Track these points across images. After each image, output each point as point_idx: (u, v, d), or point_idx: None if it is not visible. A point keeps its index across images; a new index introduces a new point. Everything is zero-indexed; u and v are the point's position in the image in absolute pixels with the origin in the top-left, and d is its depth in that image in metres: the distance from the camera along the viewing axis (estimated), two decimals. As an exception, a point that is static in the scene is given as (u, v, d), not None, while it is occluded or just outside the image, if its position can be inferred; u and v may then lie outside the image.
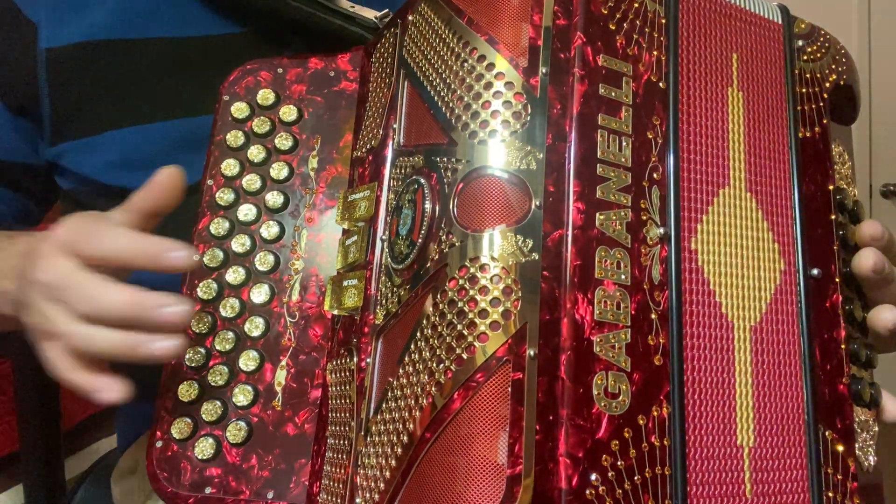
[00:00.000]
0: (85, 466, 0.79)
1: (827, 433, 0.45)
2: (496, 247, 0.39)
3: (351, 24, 0.64)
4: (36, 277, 0.47)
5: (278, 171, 0.59)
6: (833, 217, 0.50)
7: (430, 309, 0.40)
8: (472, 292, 0.39)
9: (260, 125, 0.60)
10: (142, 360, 0.46)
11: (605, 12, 0.45)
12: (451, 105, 0.44)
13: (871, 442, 0.51)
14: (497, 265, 0.39)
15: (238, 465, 0.53)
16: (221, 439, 0.53)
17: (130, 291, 0.46)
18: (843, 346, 0.47)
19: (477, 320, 0.38)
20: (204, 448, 0.53)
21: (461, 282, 0.39)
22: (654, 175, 0.44)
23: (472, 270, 0.39)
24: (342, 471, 0.46)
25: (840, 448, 0.45)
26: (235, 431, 0.53)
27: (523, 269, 0.39)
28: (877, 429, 0.52)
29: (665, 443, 0.39)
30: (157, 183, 0.52)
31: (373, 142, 0.54)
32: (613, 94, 0.44)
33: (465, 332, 0.38)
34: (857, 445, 0.48)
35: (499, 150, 0.41)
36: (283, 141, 0.60)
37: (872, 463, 0.50)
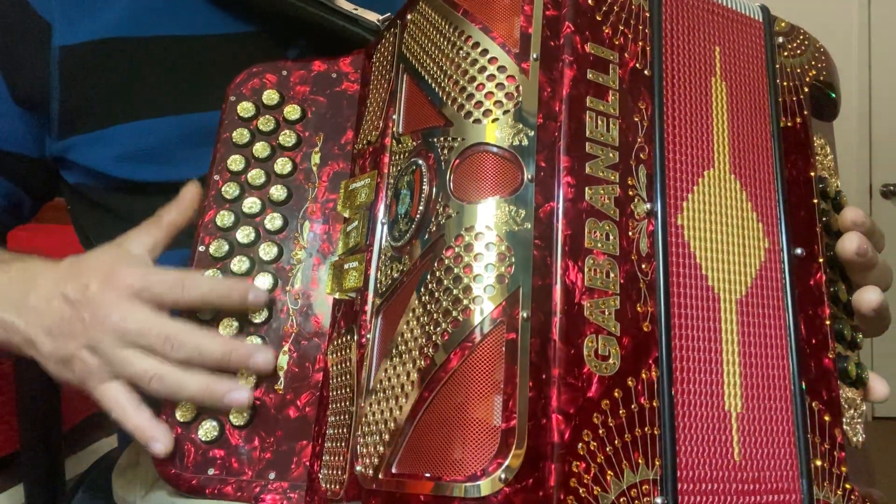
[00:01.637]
0: (85, 466, 0.79)
1: (814, 404, 0.46)
2: (490, 216, 0.41)
3: (353, 26, 0.67)
4: (113, 323, 0.51)
5: (282, 166, 0.62)
6: (815, 201, 0.52)
7: (428, 276, 0.42)
8: (467, 259, 0.41)
9: (265, 123, 0.63)
10: (217, 406, 0.52)
11: (592, 4, 0.48)
12: (447, 90, 0.47)
13: (859, 420, 0.52)
14: (491, 233, 0.41)
15: (240, 447, 0.54)
16: (224, 422, 0.54)
17: (224, 339, 0.53)
18: (827, 322, 0.49)
19: (472, 285, 0.40)
20: (207, 431, 0.54)
21: (457, 250, 0.41)
22: (641, 155, 0.46)
23: (467, 239, 0.41)
24: (343, 444, 0.48)
25: (827, 419, 0.47)
26: (238, 414, 0.54)
27: (516, 236, 0.41)
28: (864, 407, 0.53)
29: (654, 404, 0.41)
30: (188, 198, 0.58)
31: (373, 133, 0.56)
32: (601, 79, 0.46)
33: (461, 297, 0.40)
34: (844, 420, 0.49)
35: (492, 127, 0.44)
36: (286, 138, 0.62)
37: (861, 440, 0.51)
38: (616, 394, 0.40)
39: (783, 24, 0.57)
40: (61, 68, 0.65)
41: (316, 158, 0.62)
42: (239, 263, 0.58)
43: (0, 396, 0.87)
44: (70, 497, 0.79)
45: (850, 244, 0.52)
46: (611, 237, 0.43)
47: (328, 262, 0.58)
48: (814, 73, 0.57)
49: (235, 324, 0.57)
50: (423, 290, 0.42)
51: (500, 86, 0.44)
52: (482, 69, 0.45)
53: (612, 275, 0.42)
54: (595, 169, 0.44)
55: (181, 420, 0.54)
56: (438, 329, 0.40)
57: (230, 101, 0.63)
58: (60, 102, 0.66)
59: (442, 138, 0.45)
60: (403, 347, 0.42)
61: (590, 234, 0.42)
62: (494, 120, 0.44)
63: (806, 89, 0.56)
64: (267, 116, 0.63)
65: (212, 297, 0.54)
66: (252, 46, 0.68)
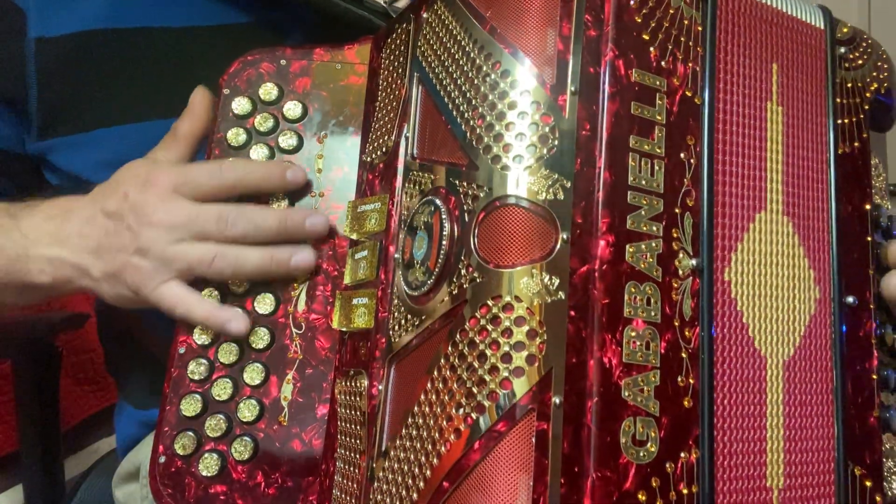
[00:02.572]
0: (85, 466, 0.78)
1: (856, 469, 0.44)
2: (521, 285, 0.37)
3: (358, 8, 0.60)
4: (160, 220, 0.50)
5: None
6: (869, 239, 0.48)
7: (450, 348, 0.38)
8: (494, 334, 0.37)
9: (262, 122, 0.57)
10: (284, 274, 0.52)
11: (639, 21, 0.41)
12: (471, 123, 0.41)
13: (895, 469, 0.49)
14: (521, 305, 0.37)
15: (244, 482, 0.51)
16: (226, 455, 0.51)
17: (276, 210, 0.52)
18: (874, 377, 0.46)
19: (500, 365, 0.36)
20: (209, 464, 0.51)
21: (482, 322, 0.37)
22: (688, 201, 0.41)
23: (494, 310, 0.37)
24: (353, 499, 0.45)
25: (868, 484, 0.44)
26: (241, 447, 0.51)
27: (549, 309, 0.37)
28: (901, 455, 0.50)
29: (693, 490, 0.37)
30: (197, 106, 0.55)
31: (383, 148, 0.51)
32: (646, 112, 0.41)
33: (487, 378, 0.36)
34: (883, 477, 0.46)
35: (524, 177, 0.38)
36: (287, 139, 0.57)
37: (895, 490, 0.49)
38: (654, 483, 0.36)
39: (846, 30, 0.51)
40: (38, 62, 0.59)
41: (319, 163, 0.57)
42: (237, 283, 0.54)
43: (0, 396, 0.86)
44: (70, 497, 0.77)
45: None
46: (652, 301, 0.39)
47: (334, 282, 0.54)
48: (875, 85, 0.51)
49: (235, 348, 0.53)
50: (443, 362, 0.38)
51: (533, 126, 0.39)
52: (512, 105, 0.39)
53: (652, 346, 0.38)
54: (637, 222, 0.39)
55: (181, 453, 0.51)
56: (461, 412, 0.37)
57: (224, 94, 0.57)
58: (38, 100, 0.60)
59: (465, 182, 0.40)
60: (422, 422, 0.39)
61: (630, 302, 0.38)
62: (527, 168, 0.38)
63: (866, 107, 0.50)
64: (265, 114, 0.57)
65: (252, 179, 0.52)
66: (246, 38, 0.62)
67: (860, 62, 0.51)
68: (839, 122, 0.48)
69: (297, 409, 0.53)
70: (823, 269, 0.45)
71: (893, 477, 0.49)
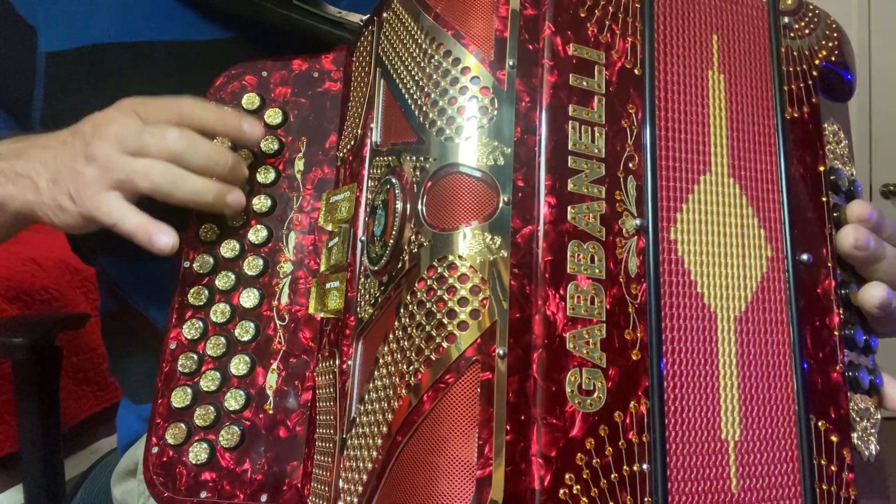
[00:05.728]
0: (85, 466, 0.79)
1: (820, 423, 0.44)
2: (464, 245, 0.39)
3: (339, 30, 0.64)
4: (112, 132, 0.51)
5: (265, 174, 0.59)
6: (825, 199, 0.48)
7: (401, 310, 0.40)
8: (440, 292, 0.38)
9: None
10: (217, 208, 0.54)
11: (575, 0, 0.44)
12: (420, 103, 0.44)
13: (873, 430, 0.49)
14: (465, 264, 0.38)
15: (231, 469, 0.53)
16: (215, 444, 0.53)
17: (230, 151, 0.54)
18: (836, 333, 0.46)
19: (445, 321, 0.38)
20: (198, 453, 0.53)
21: (429, 282, 0.39)
22: (630, 165, 0.43)
23: (440, 270, 0.39)
24: (328, 473, 0.46)
25: (834, 439, 0.44)
26: (228, 436, 0.53)
27: (492, 267, 0.38)
28: (878, 416, 0.50)
29: (644, 439, 0.38)
30: (245, 125, 0.55)
31: (353, 142, 0.54)
32: (585, 83, 0.43)
33: (434, 334, 0.38)
34: (855, 435, 0.46)
35: (466, 146, 0.41)
36: (268, 144, 0.60)
37: (874, 452, 0.48)
38: (601, 431, 0.37)
39: (789, 2, 0.52)
40: (47, 76, 0.63)
41: (300, 165, 0.60)
42: (224, 279, 0.57)
43: (0, 396, 0.88)
44: (70, 497, 0.79)
45: (846, 238, 0.48)
46: (596, 259, 0.40)
47: (315, 275, 0.56)
48: (824, 53, 0.52)
49: (223, 341, 0.56)
50: (396, 324, 0.40)
51: (473, 99, 0.41)
52: (454, 81, 0.42)
53: (597, 301, 0.39)
54: (579, 185, 0.41)
55: (172, 443, 0.54)
56: (411, 368, 0.38)
57: (210, 106, 0.61)
58: (43, 111, 0.64)
59: (414, 157, 0.43)
60: (380, 384, 0.41)
61: (573, 259, 0.39)
62: (468, 138, 0.41)
63: (815, 73, 0.51)
64: None
65: (206, 115, 0.54)
66: (235, 52, 0.66)
67: (807, 31, 0.52)
68: (786, 88, 0.49)
69: (282, 397, 0.55)
70: (775, 227, 0.46)
71: (872, 437, 0.49)
